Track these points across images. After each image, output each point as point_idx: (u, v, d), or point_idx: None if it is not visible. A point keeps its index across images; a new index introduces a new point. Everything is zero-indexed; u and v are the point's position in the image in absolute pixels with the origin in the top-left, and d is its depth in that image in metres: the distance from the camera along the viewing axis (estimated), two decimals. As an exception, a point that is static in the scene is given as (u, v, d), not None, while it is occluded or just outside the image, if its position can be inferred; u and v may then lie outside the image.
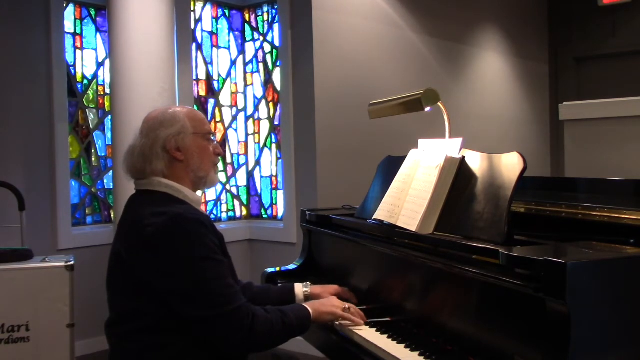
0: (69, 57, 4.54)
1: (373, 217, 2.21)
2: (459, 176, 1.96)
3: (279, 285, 2.35)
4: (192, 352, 1.70)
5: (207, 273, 1.66)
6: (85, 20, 4.66)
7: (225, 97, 5.19)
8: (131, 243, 1.71)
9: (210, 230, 1.72)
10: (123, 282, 1.74)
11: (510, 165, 1.80)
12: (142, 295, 1.69)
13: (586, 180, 2.52)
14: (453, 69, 5.66)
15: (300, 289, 2.18)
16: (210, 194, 5.07)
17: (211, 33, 5.12)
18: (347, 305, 1.97)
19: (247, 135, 5.24)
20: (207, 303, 1.64)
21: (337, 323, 1.97)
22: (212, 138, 1.92)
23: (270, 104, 5.04)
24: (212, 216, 5.05)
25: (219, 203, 5.11)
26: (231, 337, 1.67)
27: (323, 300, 1.99)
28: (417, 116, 2.70)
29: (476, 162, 1.94)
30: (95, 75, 4.69)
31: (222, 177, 5.11)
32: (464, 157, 1.98)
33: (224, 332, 1.66)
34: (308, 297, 2.15)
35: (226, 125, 5.17)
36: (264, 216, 5.15)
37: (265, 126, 5.10)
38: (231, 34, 5.22)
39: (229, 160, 5.18)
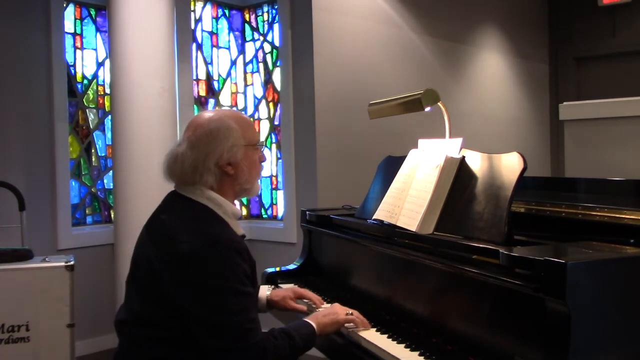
0: (69, 57, 4.54)
1: (373, 217, 2.21)
2: (459, 176, 1.95)
3: None
4: None
5: (233, 306, 1.63)
6: (85, 20, 4.66)
7: (225, 97, 5.19)
8: (164, 255, 1.67)
9: (245, 258, 1.69)
10: (147, 289, 1.71)
11: (510, 165, 1.80)
12: (162, 308, 1.66)
13: (586, 180, 2.52)
14: (453, 69, 5.65)
15: (264, 292, 2.17)
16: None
17: (211, 33, 5.12)
18: (350, 310, 1.96)
19: (247, 135, 5.23)
20: (226, 335, 1.62)
21: None
22: (260, 145, 1.89)
23: (270, 104, 5.04)
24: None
25: (219, 203, 5.10)
26: None
27: (327, 310, 1.96)
28: (417, 116, 2.70)
29: (476, 162, 1.94)
30: (95, 75, 4.69)
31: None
32: (464, 157, 1.98)
33: None
34: (269, 301, 2.15)
35: (226, 125, 5.17)
36: (264, 216, 5.15)
37: (265, 126, 5.10)
38: (231, 34, 5.22)
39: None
